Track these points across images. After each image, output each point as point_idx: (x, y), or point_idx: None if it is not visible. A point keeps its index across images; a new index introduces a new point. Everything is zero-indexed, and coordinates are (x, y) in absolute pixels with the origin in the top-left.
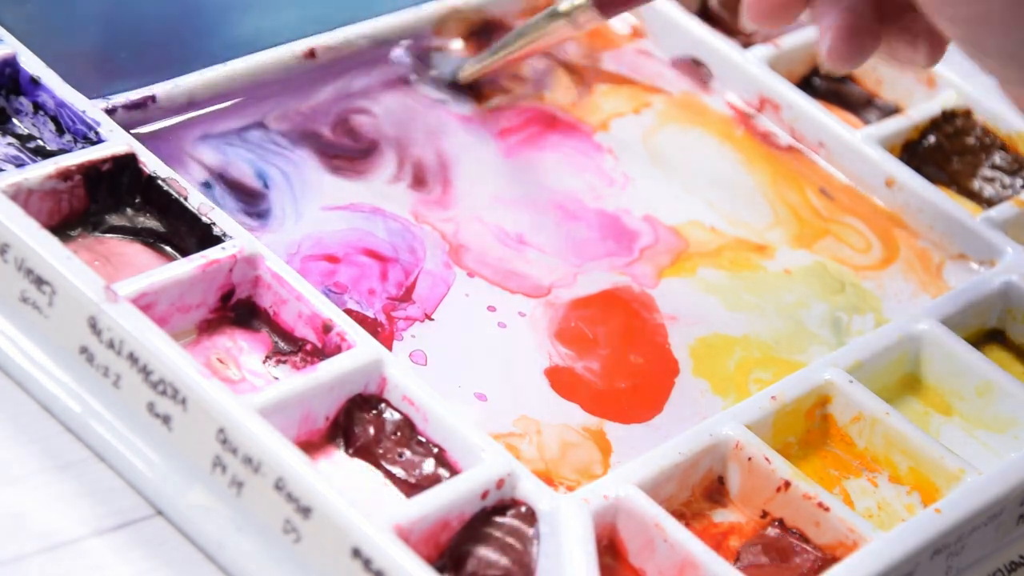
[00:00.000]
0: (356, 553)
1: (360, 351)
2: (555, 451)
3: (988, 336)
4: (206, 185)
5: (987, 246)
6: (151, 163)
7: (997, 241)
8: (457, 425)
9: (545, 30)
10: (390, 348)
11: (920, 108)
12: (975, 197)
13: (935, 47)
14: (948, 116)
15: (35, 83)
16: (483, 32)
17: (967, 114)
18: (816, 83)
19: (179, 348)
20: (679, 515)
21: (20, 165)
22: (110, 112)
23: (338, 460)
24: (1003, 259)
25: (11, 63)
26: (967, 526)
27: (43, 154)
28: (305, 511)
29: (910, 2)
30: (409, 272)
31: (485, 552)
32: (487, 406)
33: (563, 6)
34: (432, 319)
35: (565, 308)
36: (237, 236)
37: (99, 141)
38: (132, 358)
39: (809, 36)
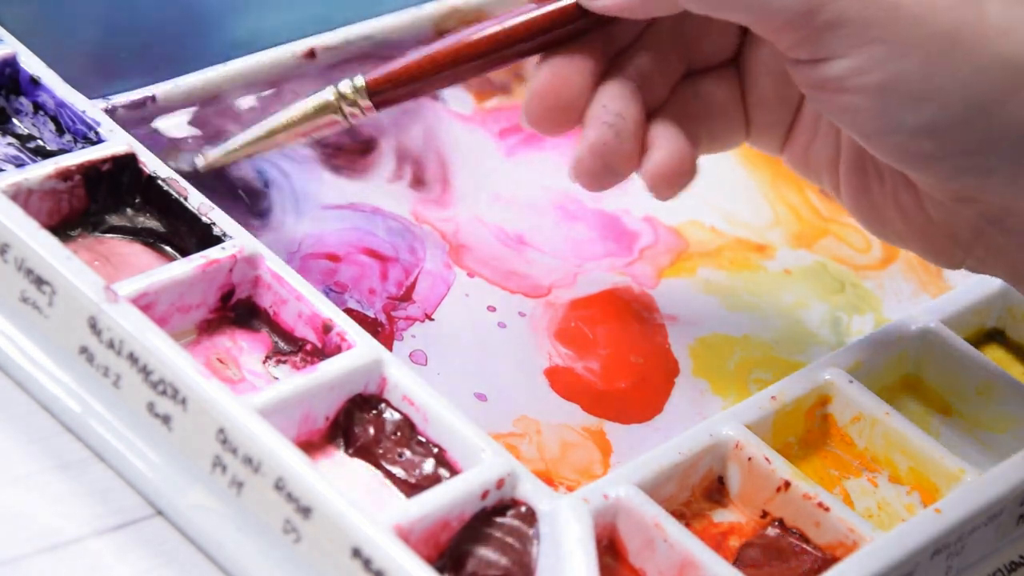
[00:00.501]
0: (356, 553)
1: (360, 351)
2: (555, 451)
3: (988, 336)
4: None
5: None
6: (151, 163)
7: None
8: (457, 425)
9: (315, 120)
10: (390, 348)
11: None
12: None
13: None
14: None
15: (35, 83)
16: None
17: None
18: None
19: (179, 348)
20: (679, 515)
21: (20, 165)
22: (110, 112)
23: (338, 460)
24: None
25: (11, 63)
26: (967, 526)
27: (43, 154)
28: (305, 511)
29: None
30: (409, 272)
31: (485, 552)
32: (487, 406)
33: (331, 96)
34: (432, 319)
35: (565, 308)
36: (237, 236)
37: (99, 141)
38: (132, 358)
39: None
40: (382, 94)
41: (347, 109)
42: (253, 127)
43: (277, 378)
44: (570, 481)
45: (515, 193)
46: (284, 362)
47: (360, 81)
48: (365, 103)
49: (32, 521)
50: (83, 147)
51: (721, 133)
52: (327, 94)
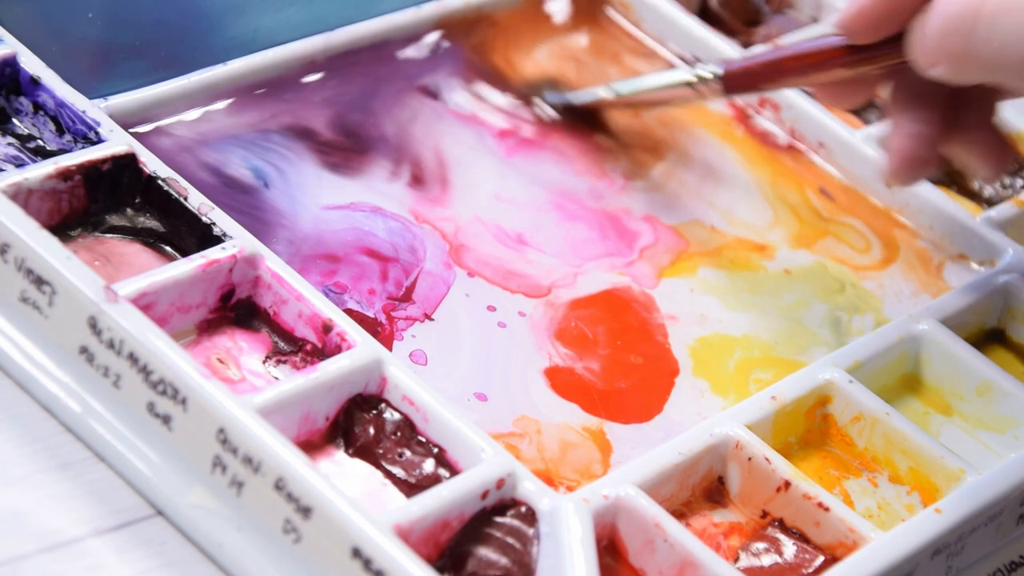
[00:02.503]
0: (356, 553)
1: (360, 351)
2: (555, 451)
3: (988, 336)
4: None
5: (987, 246)
6: (151, 163)
7: (997, 241)
8: (457, 425)
9: (672, 90)
10: (390, 348)
11: None
12: (975, 197)
13: (999, 161)
14: None
15: (35, 83)
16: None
17: None
18: None
19: (179, 348)
20: (679, 515)
21: (20, 165)
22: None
23: (338, 460)
24: (1003, 259)
25: (11, 63)
26: (967, 526)
27: (43, 154)
28: (305, 511)
29: (983, 119)
30: (409, 272)
31: (485, 552)
32: (487, 406)
33: (691, 76)
34: (432, 319)
35: (565, 308)
36: (237, 236)
37: (99, 141)
38: (132, 358)
39: (809, 35)
40: (734, 83)
41: (700, 88)
42: (619, 83)
43: (277, 378)
44: (570, 481)
45: (515, 193)
46: (284, 362)
47: (718, 70)
48: (716, 86)
49: (32, 521)
50: (83, 147)
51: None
52: (686, 74)
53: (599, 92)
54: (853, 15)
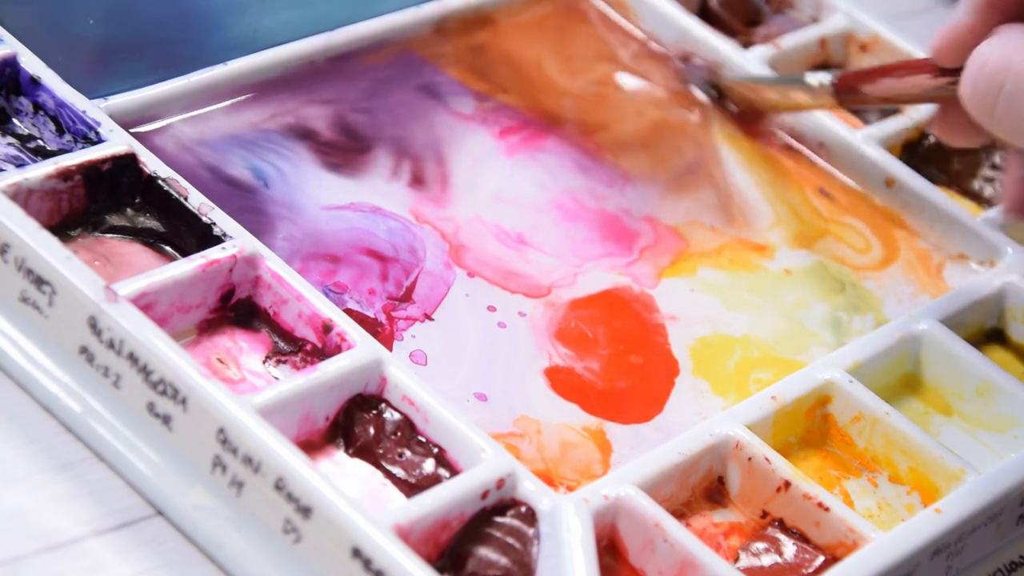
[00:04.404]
0: (356, 553)
1: (360, 351)
2: (555, 451)
3: (988, 336)
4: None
5: (987, 246)
6: (151, 163)
7: (997, 241)
8: (457, 425)
9: (795, 89)
10: (390, 348)
11: (920, 108)
12: (975, 197)
13: None
14: None
15: (35, 83)
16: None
17: None
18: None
19: (179, 348)
20: (679, 515)
21: (20, 165)
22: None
23: (338, 460)
24: (1003, 259)
25: (11, 63)
26: (967, 526)
27: (43, 154)
28: (305, 511)
29: None
30: (409, 272)
31: (485, 552)
32: (487, 406)
33: (811, 79)
34: (432, 319)
35: (565, 308)
36: (237, 236)
37: (99, 141)
38: (132, 358)
39: (809, 35)
40: (844, 87)
41: (817, 92)
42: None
43: (277, 378)
44: (570, 481)
45: (515, 193)
46: (284, 362)
47: (829, 79)
48: (829, 91)
49: (32, 521)
50: (83, 147)
51: None
52: (811, 79)
53: (744, 79)
54: (936, 39)
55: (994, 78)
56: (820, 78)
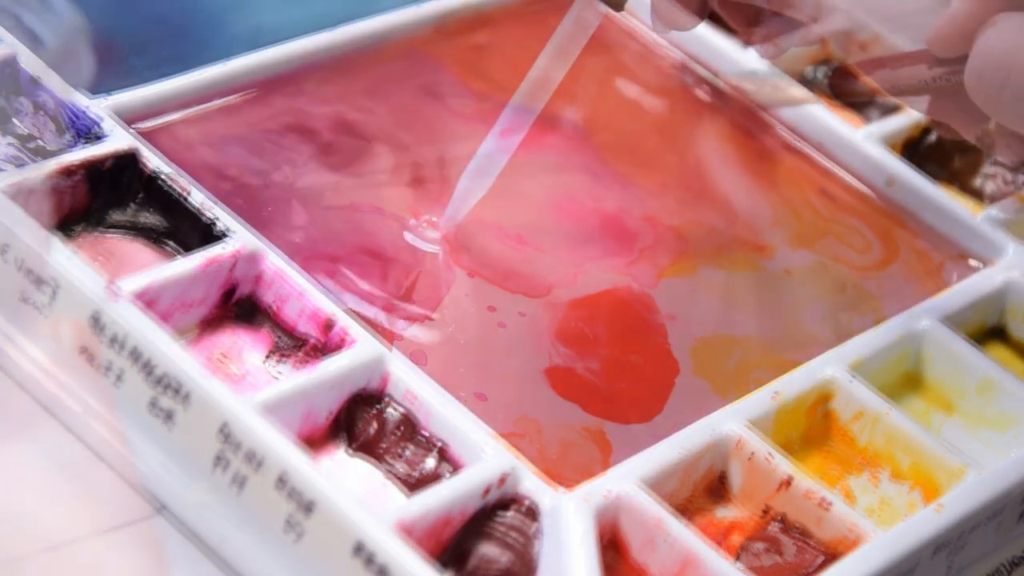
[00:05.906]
0: (358, 550)
1: (362, 348)
2: (555, 451)
3: (989, 334)
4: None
5: (988, 244)
6: (152, 161)
7: (998, 239)
8: (459, 422)
9: (792, 84)
10: (390, 348)
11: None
12: (977, 195)
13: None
14: None
15: (35, 83)
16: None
17: None
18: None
19: (181, 346)
20: (681, 512)
21: (20, 165)
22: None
23: (340, 457)
24: (1004, 257)
25: (11, 63)
26: (968, 524)
27: (43, 154)
28: (307, 508)
29: None
30: (409, 272)
31: (487, 549)
32: (487, 406)
33: (808, 73)
34: (432, 319)
35: (565, 308)
36: (238, 233)
37: (100, 139)
38: (134, 355)
39: (809, 35)
40: (842, 87)
41: (814, 84)
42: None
43: (279, 375)
44: (570, 481)
45: (515, 193)
46: (286, 359)
47: (824, 71)
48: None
49: (32, 521)
50: (84, 145)
51: None
52: (807, 72)
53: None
54: (933, 30)
55: (1001, 65)
56: (816, 71)
